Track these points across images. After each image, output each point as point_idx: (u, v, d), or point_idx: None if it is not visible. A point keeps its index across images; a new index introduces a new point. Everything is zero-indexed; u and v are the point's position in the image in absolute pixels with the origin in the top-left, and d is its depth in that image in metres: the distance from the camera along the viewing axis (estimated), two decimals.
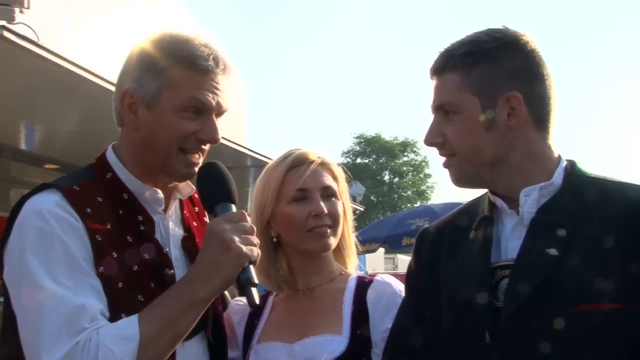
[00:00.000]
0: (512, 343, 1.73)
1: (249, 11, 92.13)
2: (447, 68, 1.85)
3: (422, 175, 53.29)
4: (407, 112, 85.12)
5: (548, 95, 1.85)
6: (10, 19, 5.84)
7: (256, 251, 1.87)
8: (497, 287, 1.81)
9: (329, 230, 2.30)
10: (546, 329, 1.70)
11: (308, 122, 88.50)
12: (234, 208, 1.92)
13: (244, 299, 2.50)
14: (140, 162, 1.97)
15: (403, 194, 52.64)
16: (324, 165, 2.36)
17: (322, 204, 2.29)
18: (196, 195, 2.18)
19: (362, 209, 18.88)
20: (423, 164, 52.99)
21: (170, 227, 2.04)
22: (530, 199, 1.82)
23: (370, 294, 2.28)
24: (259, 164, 8.63)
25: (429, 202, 43.24)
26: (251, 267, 1.85)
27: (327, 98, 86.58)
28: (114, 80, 2.02)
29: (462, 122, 1.83)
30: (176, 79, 1.89)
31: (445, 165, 1.91)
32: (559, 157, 1.88)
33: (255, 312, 2.39)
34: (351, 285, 2.33)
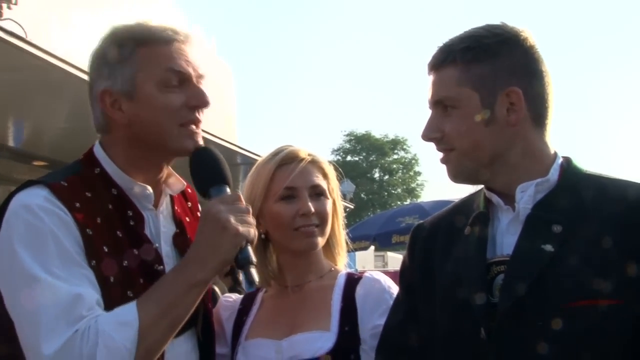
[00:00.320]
0: (508, 339, 1.73)
1: (239, 9, 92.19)
2: (446, 63, 1.84)
3: (412, 173, 53.47)
4: (397, 110, 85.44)
5: (546, 91, 1.85)
6: None
7: (253, 231, 1.85)
8: (492, 283, 1.80)
9: (316, 230, 2.28)
10: (542, 324, 1.70)
11: (298, 119, 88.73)
12: (228, 190, 1.91)
13: (233, 296, 2.50)
14: (131, 158, 1.95)
15: (393, 191, 52.78)
16: (314, 163, 2.34)
17: (309, 203, 2.27)
18: (189, 190, 2.16)
19: (352, 207, 18.91)
20: (413, 161, 53.20)
21: (161, 223, 2.02)
22: (527, 195, 1.82)
23: (359, 291, 2.27)
24: (249, 162, 8.61)
25: (419, 200, 43.30)
26: (249, 246, 1.84)
27: (318, 95, 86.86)
28: None
29: (462, 117, 1.82)
30: (145, 58, 1.90)
31: (443, 160, 1.89)
32: (555, 154, 1.88)
33: (244, 308, 2.38)
34: (340, 281, 2.32)
